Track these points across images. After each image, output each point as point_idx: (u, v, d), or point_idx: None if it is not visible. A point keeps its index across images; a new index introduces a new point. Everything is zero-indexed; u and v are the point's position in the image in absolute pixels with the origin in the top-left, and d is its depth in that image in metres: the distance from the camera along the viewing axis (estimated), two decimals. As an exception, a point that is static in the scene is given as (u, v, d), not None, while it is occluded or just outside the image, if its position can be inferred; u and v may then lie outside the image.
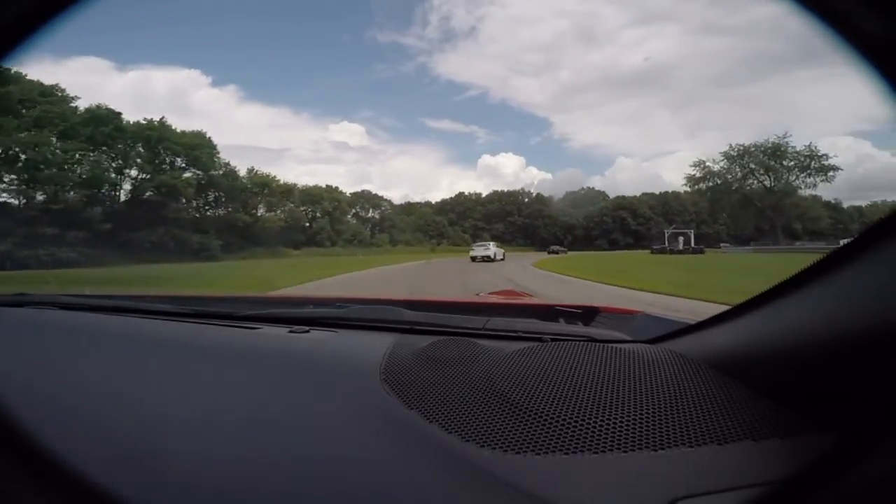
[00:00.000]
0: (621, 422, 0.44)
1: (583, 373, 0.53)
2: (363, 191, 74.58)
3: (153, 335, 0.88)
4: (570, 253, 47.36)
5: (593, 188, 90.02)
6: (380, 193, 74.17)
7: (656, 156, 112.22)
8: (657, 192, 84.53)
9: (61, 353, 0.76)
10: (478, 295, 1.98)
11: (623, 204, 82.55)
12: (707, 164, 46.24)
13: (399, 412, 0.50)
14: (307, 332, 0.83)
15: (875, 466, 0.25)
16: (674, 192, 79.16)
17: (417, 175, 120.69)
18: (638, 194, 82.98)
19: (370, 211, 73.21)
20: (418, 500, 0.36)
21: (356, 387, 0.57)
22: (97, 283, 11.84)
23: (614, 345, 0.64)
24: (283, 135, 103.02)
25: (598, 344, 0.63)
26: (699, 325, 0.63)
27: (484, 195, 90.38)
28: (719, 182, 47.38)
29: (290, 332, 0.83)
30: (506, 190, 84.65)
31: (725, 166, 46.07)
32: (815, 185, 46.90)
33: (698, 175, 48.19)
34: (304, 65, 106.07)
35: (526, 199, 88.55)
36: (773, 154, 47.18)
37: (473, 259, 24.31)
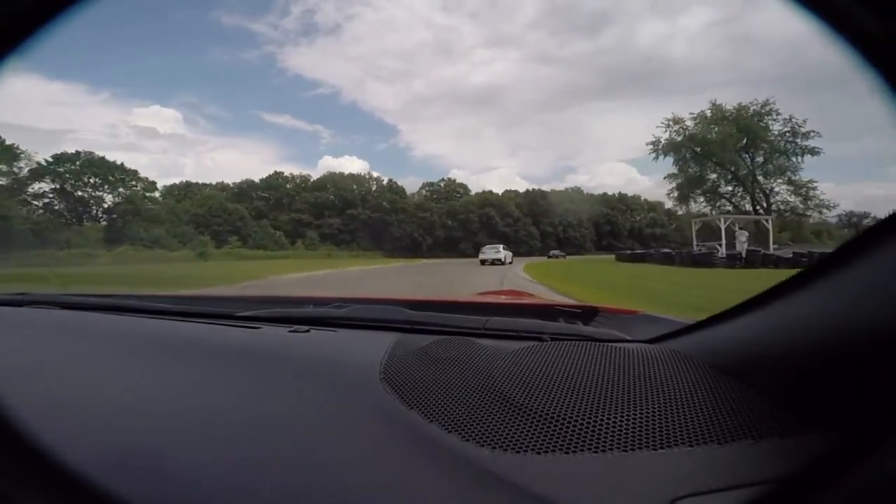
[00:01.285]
0: (621, 421, 0.44)
1: (583, 372, 0.53)
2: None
3: (154, 335, 0.88)
4: (424, 262, 35.86)
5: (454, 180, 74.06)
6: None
7: (483, 170, 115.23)
8: (521, 191, 74.13)
9: (62, 352, 0.77)
10: (478, 294, 1.86)
11: (490, 200, 68.00)
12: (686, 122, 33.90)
13: (399, 411, 0.50)
14: (307, 331, 0.83)
15: (875, 466, 0.25)
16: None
17: (243, 172, 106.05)
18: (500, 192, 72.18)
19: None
20: (418, 500, 0.36)
21: (356, 386, 0.57)
22: None
23: (614, 344, 0.64)
24: (70, 114, 78.85)
25: (598, 343, 0.63)
26: (699, 325, 0.63)
27: (314, 178, 64.89)
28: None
29: (291, 331, 0.83)
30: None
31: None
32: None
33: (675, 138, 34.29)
34: (112, 37, 76.74)
35: (374, 187, 66.74)
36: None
37: (483, 262, 24.65)
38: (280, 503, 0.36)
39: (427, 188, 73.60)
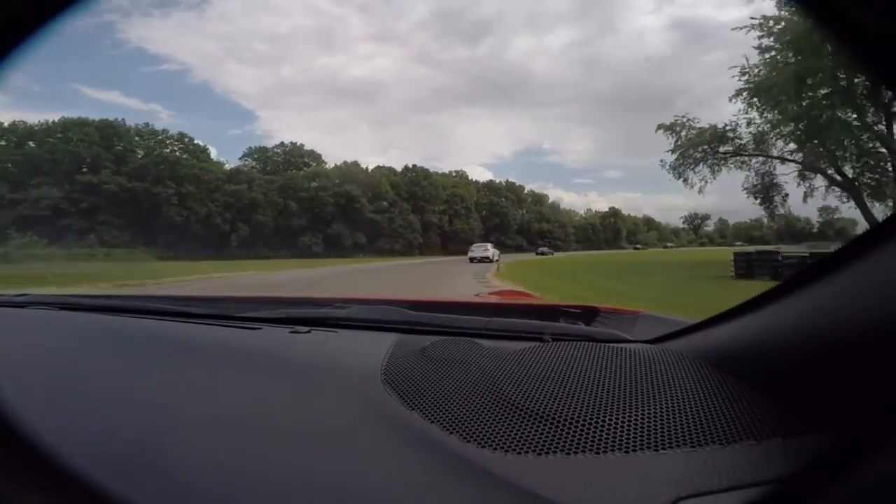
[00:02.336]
0: (623, 422, 0.43)
1: (584, 373, 0.53)
2: None
3: (154, 335, 0.87)
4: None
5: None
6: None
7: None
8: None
9: (63, 353, 0.77)
10: (478, 295, 1.90)
11: (355, 175, 47.14)
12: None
13: (400, 412, 0.50)
14: (308, 332, 0.82)
15: (877, 466, 0.25)
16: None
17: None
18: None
19: None
20: (418, 501, 0.36)
21: (357, 387, 0.56)
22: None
23: (615, 345, 0.64)
24: None
25: (599, 344, 0.63)
26: (700, 325, 0.63)
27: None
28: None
29: (291, 332, 0.82)
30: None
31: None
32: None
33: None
34: None
35: (149, 142, 38.99)
36: None
37: (472, 260, 25.36)
38: (281, 503, 0.36)
39: (254, 155, 48.20)
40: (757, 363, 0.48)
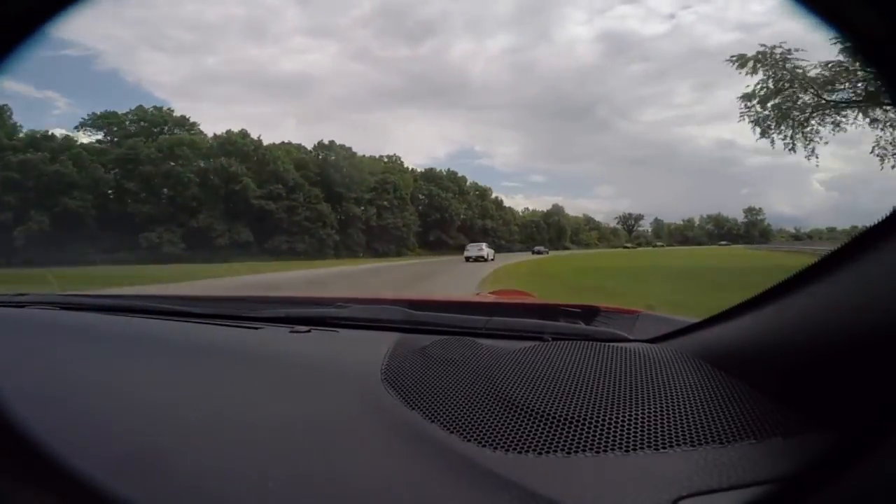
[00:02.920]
0: (623, 421, 0.43)
1: (584, 372, 0.53)
2: None
3: (154, 335, 0.87)
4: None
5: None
6: None
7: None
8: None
9: (62, 353, 0.76)
10: (478, 294, 1.88)
11: (241, 147, 34.40)
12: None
13: (400, 412, 0.50)
14: (308, 331, 0.83)
15: (877, 465, 0.25)
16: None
17: None
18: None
19: None
20: (419, 500, 0.36)
21: (357, 386, 0.56)
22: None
23: (616, 344, 0.64)
24: None
25: (599, 343, 0.63)
26: (700, 324, 0.63)
27: None
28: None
29: (292, 331, 0.83)
30: None
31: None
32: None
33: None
34: None
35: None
36: None
37: (467, 259, 25.38)
38: (281, 503, 0.36)
39: (98, 122, 33.31)
40: (757, 362, 0.48)
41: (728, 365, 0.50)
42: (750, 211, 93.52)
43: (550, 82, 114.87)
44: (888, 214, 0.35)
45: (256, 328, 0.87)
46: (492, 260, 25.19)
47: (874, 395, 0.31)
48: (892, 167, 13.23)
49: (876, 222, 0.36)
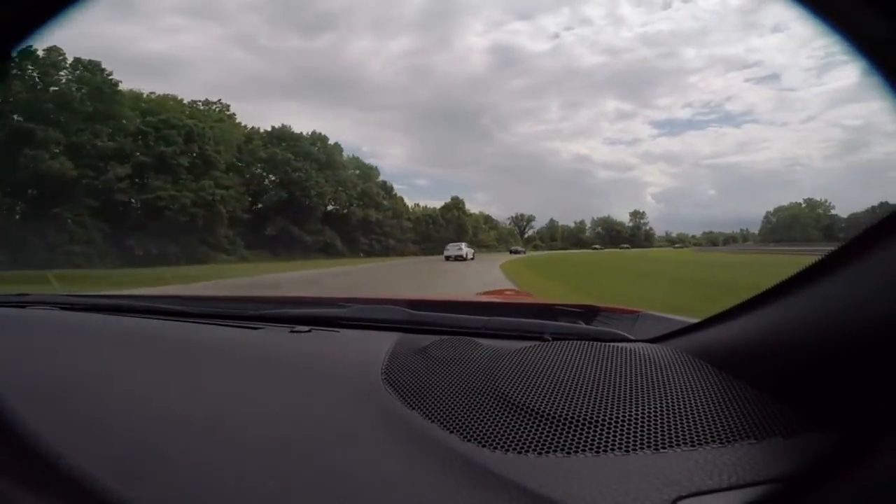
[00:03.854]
0: (623, 421, 0.43)
1: (584, 372, 0.53)
2: None
3: (154, 335, 0.87)
4: None
5: None
6: None
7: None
8: None
9: (63, 353, 0.76)
10: (478, 294, 1.85)
11: None
12: None
13: (400, 411, 0.50)
14: (308, 331, 0.83)
15: (877, 465, 0.25)
16: None
17: None
18: None
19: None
20: (418, 500, 0.36)
21: (357, 386, 0.56)
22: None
23: (616, 344, 0.64)
24: None
25: (599, 343, 0.63)
26: (701, 324, 0.63)
27: None
28: None
29: (292, 331, 0.83)
30: None
31: None
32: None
33: None
34: None
35: None
36: None
37: (447, 259, 25.87)
38: (281, 503, 0.36)
39: None
40: (757, 362, 0.48)
41: (728, 365, 0.51)
42: (635, 215, 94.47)
43: (444, 88, 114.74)
44: (888, 215, 0.35)
45: (256, 328, 0.87)
46: (471, 259, 26.14)
47: (874, 395, 0.31)
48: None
49: (876, 223, 0.36)
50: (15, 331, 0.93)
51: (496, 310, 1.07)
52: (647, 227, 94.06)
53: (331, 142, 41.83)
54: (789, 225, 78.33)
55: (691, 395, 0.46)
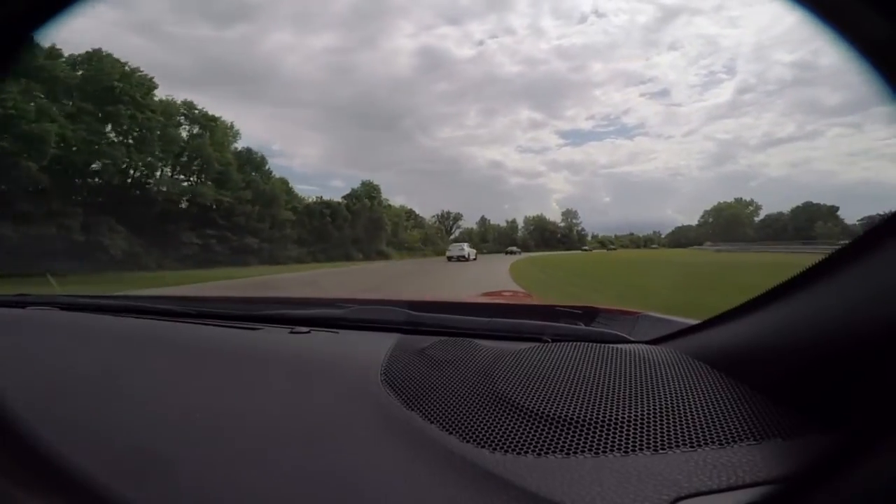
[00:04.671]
0: (623, 423, 0.43)
1: (584, 373, 0.53)
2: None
3: (154, 336, 0.87)
4: None
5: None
6: None
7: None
8: None
9: (62, 353, 0.76)
10: (478, 295, 1.86)
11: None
12: None
13: (399, 412, 0.49)
14: (308, 332, 0.82)
15: (877, 466, 0.25)
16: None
17: None
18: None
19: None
20: (417, 501, 0.36)
21: (356, 387, 0.56)
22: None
23: (615, 345, 0.64)
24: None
25: (599, 344, 0.63)
26: (700, 326, 0.63)
27: None
28: None
29: (291, 332, 0.82)
30: None
31: None
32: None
33: None
34: None
35: None
36: None
37: (449, 259, 26.39)
38: (281, 503, 0.35)
39: None
40: (757, 363, 0.48)
41: (728, 366, 0.50)
42: (568, 214, 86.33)
43: (366, 88, 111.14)
44: (888, 216, 0.35)
45: (256, 328, 0.86)
46: (473, 259, 26.69)
47: (874, 396, 0.31)
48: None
49: (875, 225, 0.36)
50: (15, 331, 0.92)
51: (496, 311, 1.07)
52: (580, 228, 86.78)
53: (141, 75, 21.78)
54: (730, 224, 77.43)
55: (691, 397, 0.46)
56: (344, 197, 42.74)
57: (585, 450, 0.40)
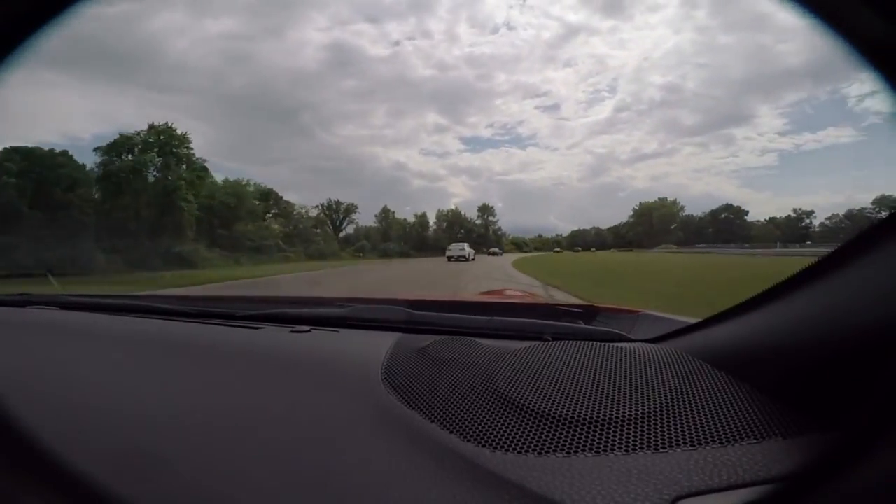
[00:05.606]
0: (623, 422, 0.43)
1: (585, 372, 0.53)
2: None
3: (155, 335, 0.87)
4: None
5: None
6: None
7: None
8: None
9: (63, 353, 0.76)
10: (479, 294, 1.92)
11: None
12: None
13: (399, 412, 0.49)
14: (308, 331, 0.83)
15: (877, 465, 0.25)
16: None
17: None
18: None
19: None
20: (417, 500, 0.35)
21: (357, 386, 0.56)
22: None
23: (616, 344, 0.64)
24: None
25: (599, 343, 0.63)
26: (701, 324, 0.63)
27: None
28: None
29: (292, 331, 0.83)
30: None
31: None
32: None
33: None
34: None
35: None
36: None
37: (449, 259, 26.64)
38: (281, 502, 0.35)
39: None
40: (757, 362, 0.48)
41: (728, 365, 0.50)
42: (485, 209, 74.97)
43: (263, 79, 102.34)
44: (887, 215, 0.35)
45: (256, 328, 0.87)
46: (472, 260, 26.41)
47: (874, 395, 0.31)
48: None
49: (874, 224, 0.36)
50: (15, 331, 0.92)
51: (496, 310, 1.06)
52: (497, 227, 75.88)
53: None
54: (663, 223, 77.93)
55: (691, 396, 0.46)
56: (98, 150, 23.61)
57: (586, 449, 0.40)
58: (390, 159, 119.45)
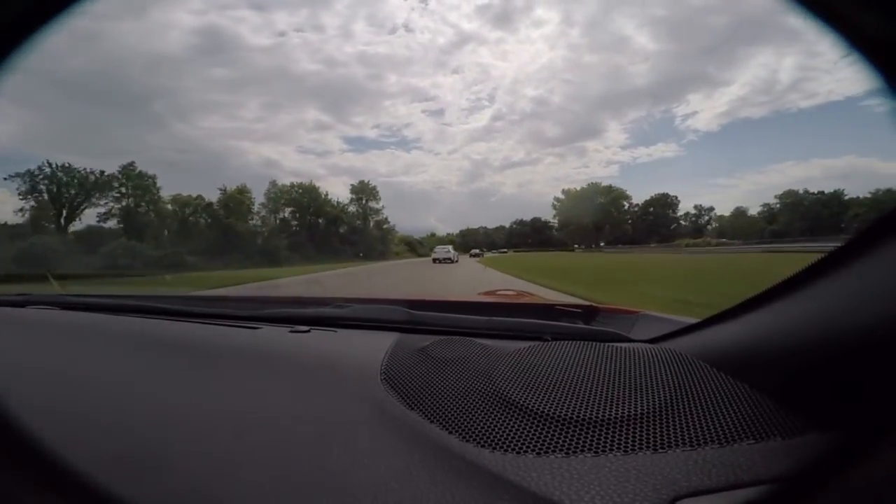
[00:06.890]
0: (622, 422, 0.43)
1: (584, 373, 0.53)
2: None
3: (154, 335, 0.87)
4: None
5: None
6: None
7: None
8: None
9: (63, 352, 0.77)
10: (478, 294, 1.79)
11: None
12: None
13: (399, 412, 0.49)
14: (308, 331, 0.83)
15: (877, 465, 0.25)
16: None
17: None
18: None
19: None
20: (417, 500, 0.35)
21: (356, 386, 0.56)
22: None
23: (615, 344, 0.64)
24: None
25: (599, 343, 0.63)
26: (700, 325, 0.63)
27: None
28: None
29: (291, 331, 0.83)
30: None
31: None
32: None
33: None
34: None
35: None
36: None
37: (435, 261, 27.19)
38: (280, 502, 0.35)
39: None
40: (757, 363, 0.47)
41: (728, 365, 0.50)
42: (362, 188, 65.31)
43: (110, 61, 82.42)
44: (886, 215, 0.35)
45: (256, 328, 0.87)
46: (456, 261, 27.09)
47: (874, 396, 0.31)
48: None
49: (874, 223, 0.36)
50: (15, 331, 0.93)
51: (496, 310, 1.07)
52: (382, 218, 65.71)
53: None
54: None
55: (691, 396, 0.46)
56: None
57: (585, 449, 0.40)
58: (260, 155, 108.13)
